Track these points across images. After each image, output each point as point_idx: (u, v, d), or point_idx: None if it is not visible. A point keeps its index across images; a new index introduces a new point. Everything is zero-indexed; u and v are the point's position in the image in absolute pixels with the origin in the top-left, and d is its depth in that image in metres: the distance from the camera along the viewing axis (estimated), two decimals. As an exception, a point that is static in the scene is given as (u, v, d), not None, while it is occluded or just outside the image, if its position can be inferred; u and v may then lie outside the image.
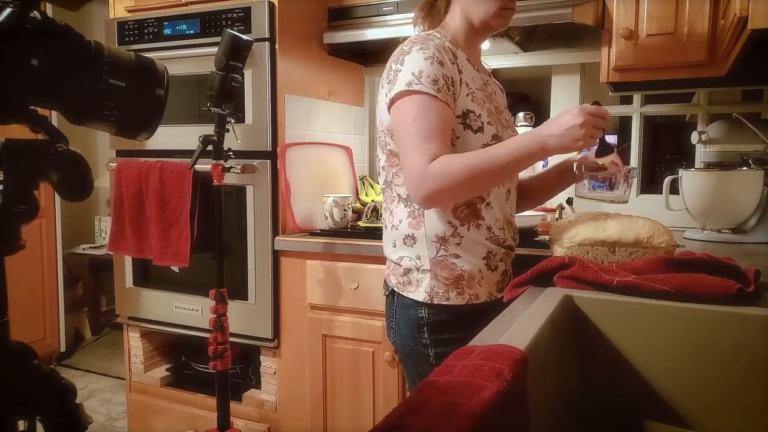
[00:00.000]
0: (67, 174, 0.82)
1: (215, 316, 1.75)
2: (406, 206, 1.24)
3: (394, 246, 1.27)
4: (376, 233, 1.94)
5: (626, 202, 1.25)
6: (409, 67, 1.14)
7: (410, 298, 1.24)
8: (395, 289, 1.28)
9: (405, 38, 1.25)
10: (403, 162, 1.17)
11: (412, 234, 1.23)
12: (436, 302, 1.22)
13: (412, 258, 1.23)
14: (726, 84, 1.85)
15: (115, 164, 2.18)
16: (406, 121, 1.14)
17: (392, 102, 1.16)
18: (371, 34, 2.12)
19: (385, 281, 1.34)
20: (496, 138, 1.21)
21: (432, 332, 1.23)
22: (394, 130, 1.18)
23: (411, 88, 1.12)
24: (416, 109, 1.12)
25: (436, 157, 1.10)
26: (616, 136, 2.75)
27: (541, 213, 2.02)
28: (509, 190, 1.29)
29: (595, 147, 1.19)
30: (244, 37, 1.71)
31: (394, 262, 1.27)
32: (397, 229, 1.25)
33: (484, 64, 1.38)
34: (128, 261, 2.32)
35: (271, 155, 2.03)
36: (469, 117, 1.18)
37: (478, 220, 1.22)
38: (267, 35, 1.99)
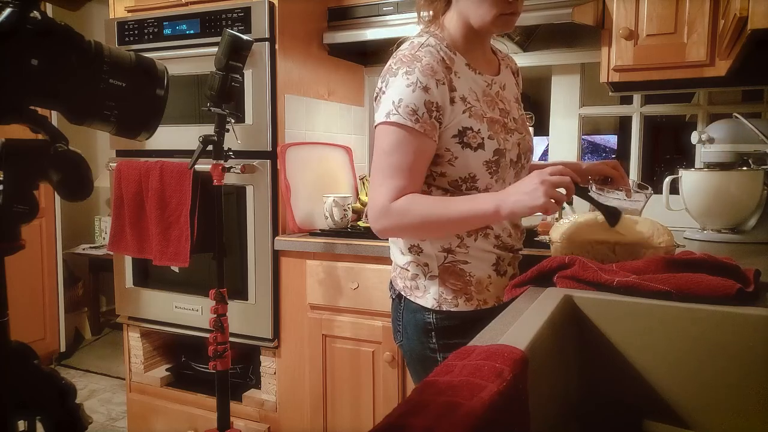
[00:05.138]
0: (67, 174, 0.82)
1: (215, 316, 1.75)
2: None
3: (402, 253, 1.26)
4: (376, 233, 1.94)
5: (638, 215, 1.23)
6: (390, 94, 1.12)
7: (417, 303, 1.23)
8: (402, 293, 1.26)
9: (403, 40, 1.21)
10: (369, 191, 1.17)
11: (418, 244, 1.22)
12: (444, 308, 1.20)
13: (420, 264, 1.22)
14: (726, 84, 1.85)
15: (115, 164, 2.18)
16: (379, 152, 1.14)
17: (376, 128, 1.16)
18: (371, 34, 2.12)
19: (391, 283, 1.32)
20: (498, 153, 1.17)
21: (440, 337, 1.21)
22: (373, 157, 1.18)
23: (389, 120, 1.11)
24: (391, 142, 1.12)
25: (400, 193, 1.11)
26: (615, 137, 2.75)
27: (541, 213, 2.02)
28: None
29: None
30: (244, 37, 1.71)
31: (401, 267, 1.26)
32: (402, 238, 1.25)
33: (495, 51, 1.32)
34: (128, 261, 2.32)
35: (271, 155, 2.03)
36: (466, 135, 1.14)
37: (486, 230, 1.20)
38: (267, 35, 1.99)
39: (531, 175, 1.07)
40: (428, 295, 1.21)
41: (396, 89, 1.12)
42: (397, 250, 1.27)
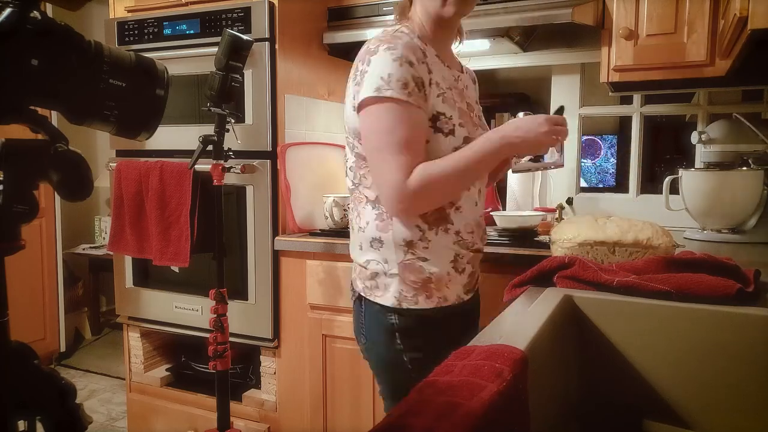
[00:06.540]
0: (67, 174, 0.82)
1: (215, 316, 1.75)
2: (374, 208, 1.19)
3: (361, 249, 1.22)
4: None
5: (562, 166, 1.34)
6: (376, 70, 1.09)
7: (378, 303, 1.20)
8: (362, 293, 1.23)
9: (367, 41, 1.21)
10: (376, 175, 1.15)
11: (380, 237, 1.19)
12: (405, 306, 1.18)
13: (380, 261, 1.19)
14: (726, 84, 1.85)
15: (115, 164, 2.18)
16: (377, 131, 1.11)
17: (361, 107, 1.12)
18: (371, 34, 2.11)
19: (351, 285, 1.29)
20: (468, 140, 1.17)
21: (404, 337, 1.19)
22: (364, 138, 1.14)
23: (381, 95, 1.08)
24: (388, 119, 1.09)
25: (411, 169, 1.09)
26: (615, 137, 2.75)
27: (541, 213, 2.02)
28: (480, 190, 1.27)
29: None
30: (244, 37, 1.71)
31: (361, 266, 1.23)
32: (363, 231, 1.21)
33: (456, 56, 1.33)
34: (128, 261, 2.32)
35: (271, 155, 2.03)
36: (440, 120, 1.14)
37: (446, 225, 1.19)
38: (267, 35, 1.99)
39: (540, 121, 1.14)
40: (388, 294, 1.19)
41: (381, 65, 1.09)
42: (357, 246, 1.24)
